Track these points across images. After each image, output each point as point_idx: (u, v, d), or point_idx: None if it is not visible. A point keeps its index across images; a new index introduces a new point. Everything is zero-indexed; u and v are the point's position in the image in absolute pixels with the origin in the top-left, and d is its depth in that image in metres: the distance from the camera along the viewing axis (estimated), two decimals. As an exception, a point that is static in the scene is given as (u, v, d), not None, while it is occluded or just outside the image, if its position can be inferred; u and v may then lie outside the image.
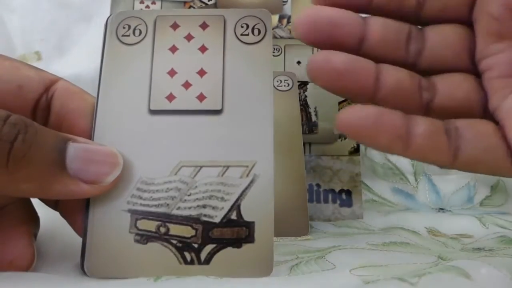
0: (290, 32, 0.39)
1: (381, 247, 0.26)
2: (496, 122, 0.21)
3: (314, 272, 0.22)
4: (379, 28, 0.22)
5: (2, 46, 0.41)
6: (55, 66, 0.41)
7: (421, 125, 0.21)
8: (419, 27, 0.23)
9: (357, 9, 0.22)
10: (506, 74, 0.21)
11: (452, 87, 0.22)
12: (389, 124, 0.20)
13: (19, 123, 0.19)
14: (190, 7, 0.40)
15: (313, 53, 0.38)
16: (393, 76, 0.21)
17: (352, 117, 0.20)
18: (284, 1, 0.40)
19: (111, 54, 0.23)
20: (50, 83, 0.23)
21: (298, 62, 0.38)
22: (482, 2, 0.22)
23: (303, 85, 0.37)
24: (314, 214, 0.35)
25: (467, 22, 0.22)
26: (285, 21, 0.39)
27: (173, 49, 0.23)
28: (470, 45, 0.22)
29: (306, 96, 0.37)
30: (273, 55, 0.38)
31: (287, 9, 0.40)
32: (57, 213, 0.23)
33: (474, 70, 0.23)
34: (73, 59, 0.41)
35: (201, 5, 0.40)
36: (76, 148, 0.20)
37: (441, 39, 0.22)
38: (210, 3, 0.40)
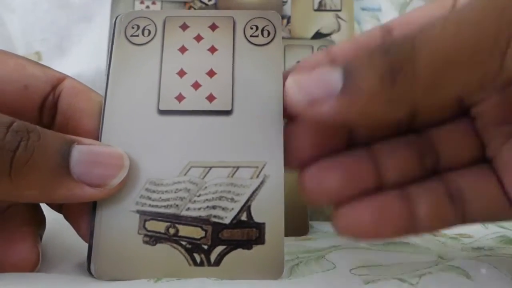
0: (290, 32, 0.39)
1: (381, 247, 0.26)
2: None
3: (314, 272, 0.22)
4: None
5: (2, 47, 0.40)
6: (56, 66, 0.39)
7: (424, 204, 0.19)
8: None
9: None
10: (497, 122, 0.20)
11: (455, 148, 0.21)
12: (391, 217, 0.19)
13: (22, 129, 0.18)
14: (190, 7, 0.40)
15: (312, 53, 0.38)
16: (395, 166, 0.20)
17: (350, 221, 0.19)
18: (284, 1, 0.40)
19: (120, 54, 0.23)
20: (57, 82, 0.23)
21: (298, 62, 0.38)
22: None
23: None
24: (314, 214, 0.35)
25: None
26: (285, 21, 0.39)
27: (183, 49, 0.23)
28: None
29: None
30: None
31: (287, 9, 0.40)
32: (62, 213, 0.23)
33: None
34: (74, 59, 0.41)
35: (201, 6, 0.40)
36: (80, 151, 0.20)
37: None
38: (210, 3, 0.40)
